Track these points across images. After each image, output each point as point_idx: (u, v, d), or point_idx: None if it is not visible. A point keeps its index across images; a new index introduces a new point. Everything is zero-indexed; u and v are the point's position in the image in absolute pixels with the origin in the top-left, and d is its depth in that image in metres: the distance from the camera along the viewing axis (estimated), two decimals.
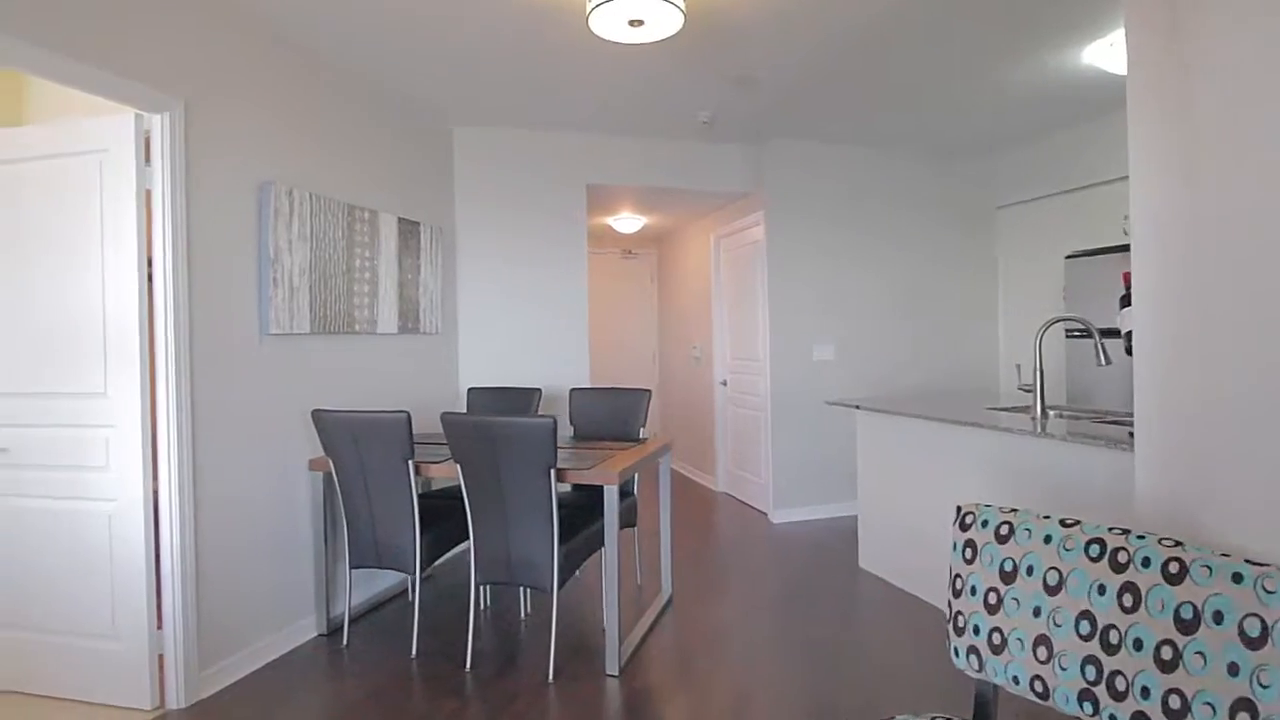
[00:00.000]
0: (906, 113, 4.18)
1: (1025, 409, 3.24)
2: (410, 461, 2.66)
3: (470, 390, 3.90)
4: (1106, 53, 3.22)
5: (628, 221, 5.65)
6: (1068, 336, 4.50)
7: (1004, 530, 1.50)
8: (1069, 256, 4.52)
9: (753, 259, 5.00)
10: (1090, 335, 2.58)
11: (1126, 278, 2.19)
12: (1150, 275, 1.66)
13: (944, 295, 5.11)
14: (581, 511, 2.94)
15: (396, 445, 2.64)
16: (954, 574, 1.57)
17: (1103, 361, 2.64)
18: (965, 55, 3.31)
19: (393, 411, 2.63)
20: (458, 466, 2.53)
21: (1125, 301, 2.14)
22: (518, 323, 4.31)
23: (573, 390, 3.63)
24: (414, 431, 3.56)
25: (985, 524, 1.53)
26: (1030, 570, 1.43)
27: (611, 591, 2.50)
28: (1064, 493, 2.45)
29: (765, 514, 4.83)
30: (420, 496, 3.19)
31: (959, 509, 1.60)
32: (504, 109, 3.94)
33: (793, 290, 4.71)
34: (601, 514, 2.90)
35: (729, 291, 5.44)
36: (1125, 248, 4.14)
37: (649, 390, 3.53)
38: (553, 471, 2.42)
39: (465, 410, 3.88)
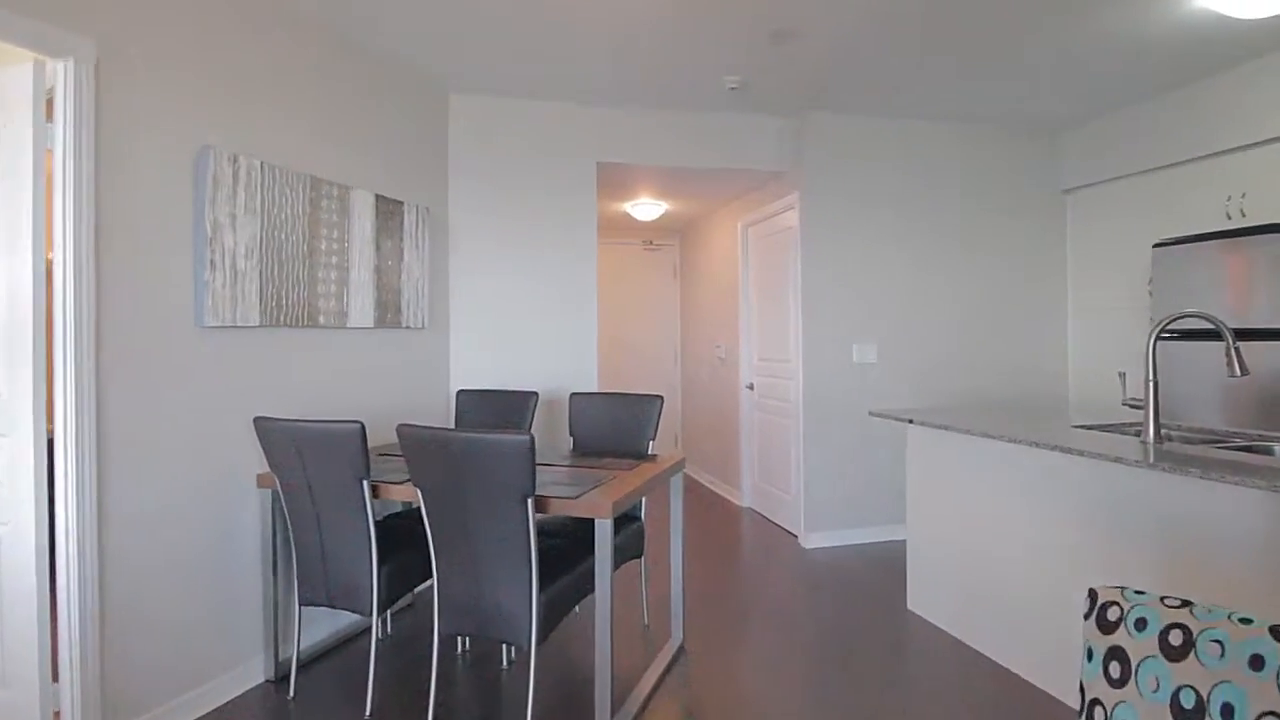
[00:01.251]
0: (971, 80, 3.60)
1: (1126, 427, 2.66)
2: (365, 482, 2.20)
3: (460, 393, 3.44)
4: None
5: (646, 208, 5.15)
6: (1159, 339, 3.86)
7: (1176, 639, 0.97)
8: (1157, 245, 3.89)
9: (785, 248, 4.45)
10: (1221, 337, 1.98)
11: None
12: None
13: (1004, 291, 4.50)
14: (573, 544, 2.45)
15: (348, 461, 2.18)
16: (1089, 698, 1.04)
17: (1237, 372, 2.07)
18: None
19: (345, 421, 2.17)
20: (417, 492, 2.07)
21: None
22: (518, 317, 3.84)
23: (573, 395, 3.15)
24: (388, 444, 3.11)
25: (1142, 626, 1.00)
26: (1230, 711, 0.90)
27: (603, 648, 2.01)
28: (1196, 547, 1.88)
29: (796, 537, 4.29)
30: (385, 520, 2.74)
31: (1094, 597, 1.07)
32: (506, 75, 3.47)
33: (830, 283, 4.16)
34: (589, 549, 2.41)
35: (757, 285, 4.90)
36: (1229, 233, 3.51)
37: (660, 396, 3.03)
38: (531, 501, 1.93)
39: (455, 415, 3.43)
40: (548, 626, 2.04)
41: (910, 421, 2.81)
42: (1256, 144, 3.48)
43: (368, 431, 2.34)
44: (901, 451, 4.28)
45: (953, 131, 4.37)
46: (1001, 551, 2.58)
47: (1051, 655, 2.36)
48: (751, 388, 4.97)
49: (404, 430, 2.01)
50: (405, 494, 2.23)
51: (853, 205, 4.19)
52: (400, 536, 2.52)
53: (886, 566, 3.71)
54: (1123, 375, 2.87)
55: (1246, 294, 3.43)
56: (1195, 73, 3.61)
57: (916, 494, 3.07)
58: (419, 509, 2.12)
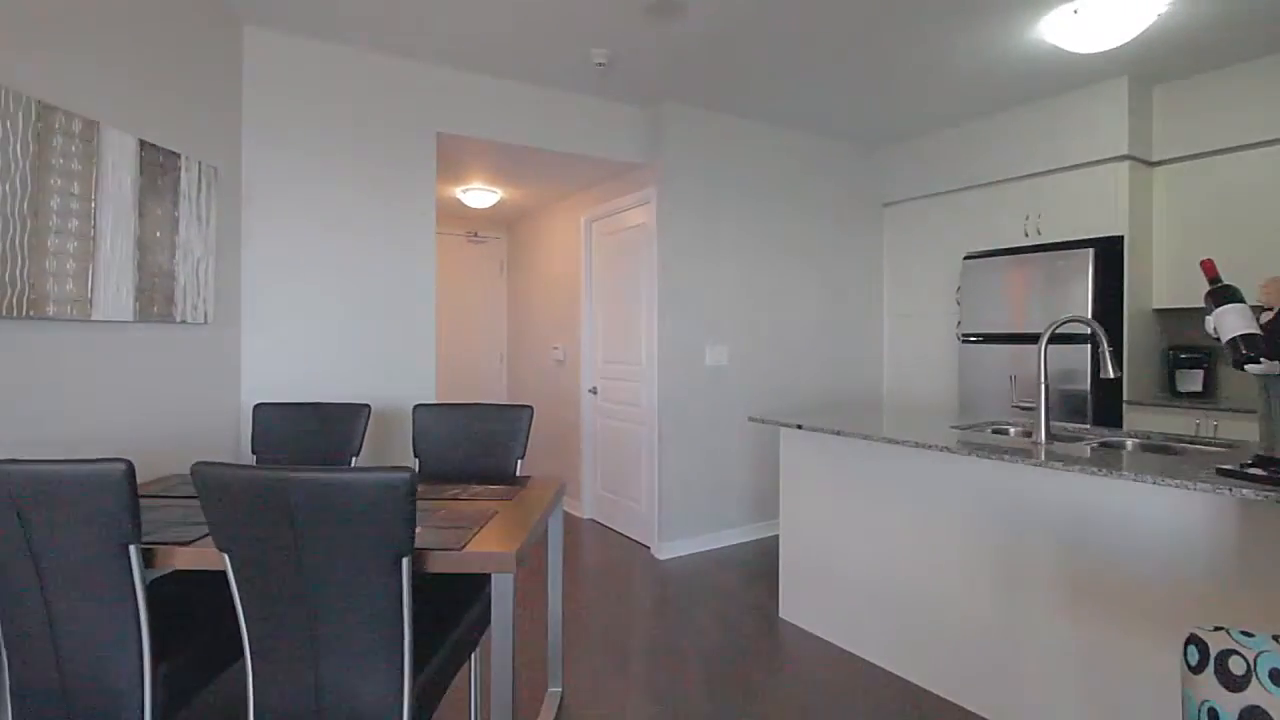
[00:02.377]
0: (828, 86, 3.63)
1: (993, 426, 2.78)
2: (134, 547, 1.52)
3: (258, 408, 2.69)
4: (1069, 22, 2.85)
5: (480, 194, 4.62)
6: (963, 341, 4.24)
7: None
8: (968, 257, 4.28)
9: (637, 247, 4.22)
10: (1098, 343, 2.06)
11: (1209, 267, 1.69)
12: None
13: (836, 296, 4.70)
14: (431, 604, 1.94)
15: (107, 520, 1.48)
16: None
17: (1109, 373, 2.19)
18: (910, 11, 2.79)
19: (99, 461, 1.47)
20: (224, 556, 1.45)
21: (1216, 298, 1.65)
22: (334, 314, 3.14)
23: (418, 408, 2.59)
24: (156, 479, 2.31)
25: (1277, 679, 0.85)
26: None
27: None
28: (1098, 546, 1.93)
29: (648, 548, 4.06)
30: (150, 588, 2.00)
31: (1203, 646, 0.91)
32: (323, 10, 2.79)
33: (687, 284, 4.00)
34: (465, 605, 1.93)
35: (603, 284, 4.61)
36: (1027, 249, 3.95)
37: (530, 407, 2.60)
38: (407, 561, 1.43)
39: (251, 437, 2.67)
40: None
41: (799, 427, 2.70)
42: (1052, 171, 3.94)
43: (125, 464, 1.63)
44: (757, 453, 4.27)
45: (797, 138, 4.45)
46: (887, 555, 2.55)
47: (943, 657, 2.36)
48: (595, 392, 4.67)
49: (205, 472, 1.39)
50: (200, 559, 1.58)
51: (709, 203, 4.07)
52: (178, 614, 1.82)
53: (748, 571, 3.62)
54: (1013, 378, 3.01)
55: (1041, 302, 3.86)
56: (1007, 102, 4.00)
57: (792, 501, 2.99)
58: (197, 574, 1.50)
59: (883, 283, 4.94)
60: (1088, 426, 2.82)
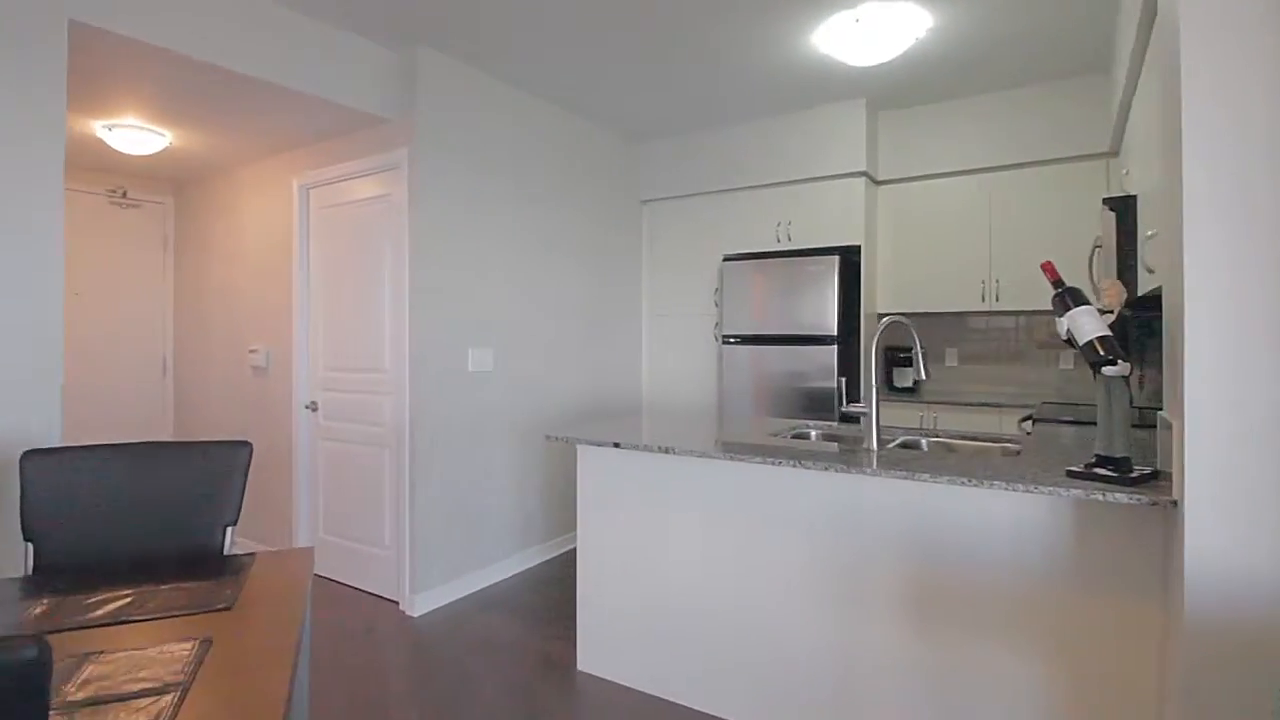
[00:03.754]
0: (598, 61, 3.26)
1: (794, 431, 2.66)
2: None
3: None
4: (848, 30, 2.89)
5: (136, 136, 3.29)
6: (723, 343, 4.27)
7: None
8: (727, 259, 4.31)
9: (376, 224, 3.37)
10: (914, 348, 1.99)
11: (1050, 269, 1.67)
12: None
13: (599, 294, 4.39)
14: None
15: None
16: None
17: (923, 376, 2.17)
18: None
19: None
20: None
21: (1064, 301, 1.62)
22: None
23: (30, 457, 1.55)
24: None
25: None
26: None
27: None
28: (940, 555, 1.84)
29: (397, 603, 3.27)
30: None
31: None
32: None
33: (447, 275, 3.30)
34: None
35: (326, 270, 3.64)
36: (782, 254, 4.09)
37: (247, 445, 1.73)
38: None
39: None
40: None
41: (616, 445, 2.26)
42: (802, 180, 4.13)
43: None
44: (533, 468, 3.72)
45: (566, 120, 4.02)
46: (712, 584, 2.26)
47: (781, 691, 2.13)
48: (314, 408, 3.67)
49: None
50: None
51: (475, 180, 3.42)
52: None
53: (533, 611, 3.08)
54: (842, 381, 2.92)
55: (792, 305, 4.02)
56: (766, 109, 4.09)
57: (594, 530, 2.54)
58: None
59: (642, 282, 4.79)
60: (836, 425, 2.89)
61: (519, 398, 3.70)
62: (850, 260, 4.03)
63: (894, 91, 3.83)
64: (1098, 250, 2.75)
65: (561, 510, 4.01)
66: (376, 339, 3.37)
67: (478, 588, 3.43)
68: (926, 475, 1.72)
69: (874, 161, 4.08)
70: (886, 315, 4.34)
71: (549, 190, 3.93)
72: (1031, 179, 3.76)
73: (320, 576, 3.63)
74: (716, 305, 4.44)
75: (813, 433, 2.69)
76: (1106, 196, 2.64)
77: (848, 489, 1.99)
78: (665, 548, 2.36)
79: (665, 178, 4.62)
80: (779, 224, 4.22)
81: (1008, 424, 3.55)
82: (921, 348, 2.19)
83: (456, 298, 3.34)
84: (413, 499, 3.16)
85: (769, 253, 4.21)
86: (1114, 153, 3.54)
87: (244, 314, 4.05)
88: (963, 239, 3.96)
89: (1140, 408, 3.12)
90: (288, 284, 3.76)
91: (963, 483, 1.66)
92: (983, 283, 3.91)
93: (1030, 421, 3.07)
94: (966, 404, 3.67)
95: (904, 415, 3.86)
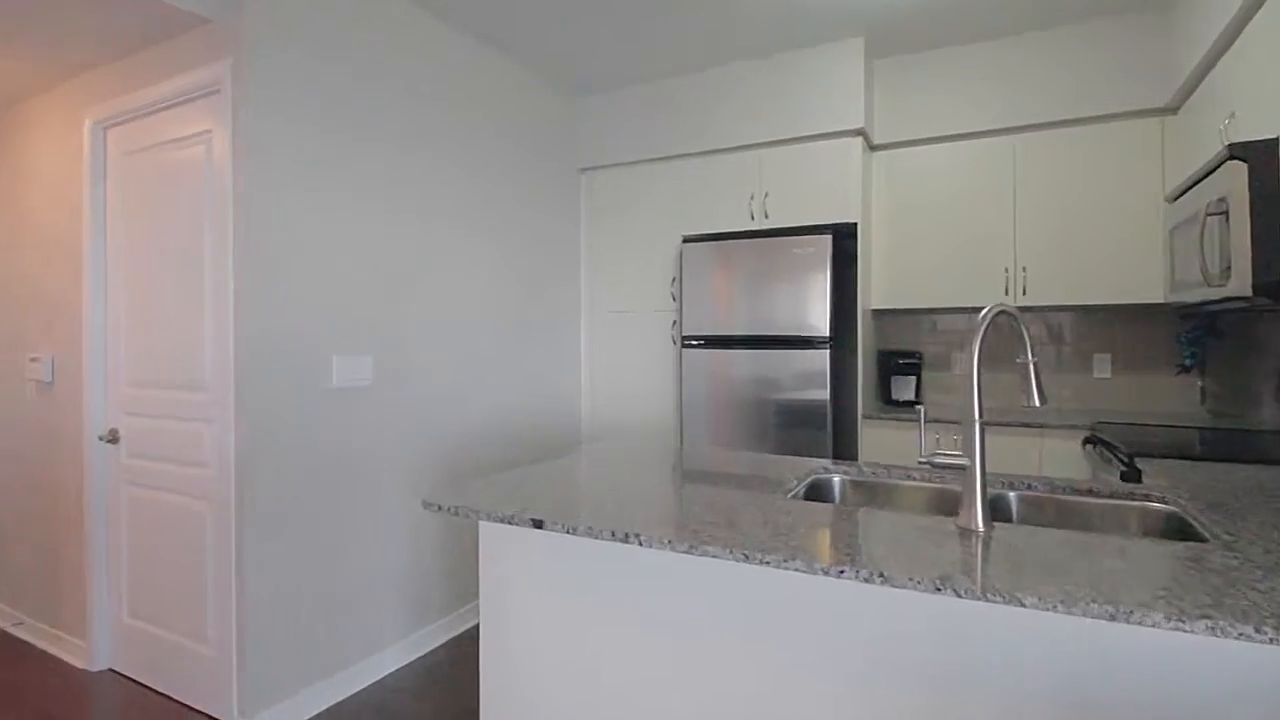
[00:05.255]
0: None
1: (814, 478, 1.77)
2: None
3: None
4: None
5: None
6: (684, 346, 3.38)
7: None
8: (687, 240, 3.42)
9: (196, 175, 2.33)
10: (1026, 353, 1.10)
11: None
12: None
13: (524, 285, 3.44)
14: None
15: None
16: None
17: (1037, 400, 1.32)
18: None
19: None
20: None
21: None
22: None
23: None
24: None
25: None
26: None
27: None
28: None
29: None
30: None
31: None
32: None
33: (295, 250, 2.29)
34: None
35: (132, 242, 2.57)
36: (760, 234, 3.23)
37: None
38: None
39: None
40: None
41: (538, 525, 1.31)
42: (783, 141, 3.28)
43: None
44: (429, 521, 2.72)
45: (478, 56, 3.05)
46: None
47: None
48: (114, 439, 2.59)
49: None
50: None
51: (339, 120, 2.41)
52: None
53: None
54: (936, 441, 2.05)
55: (775, 298, 3.18)
56: (735, 52, 3.22)
57: (500, 639, 1.59)
58: None
59: (581, 269, 3.86)
60: (863, 468, 2.05)
61: (412, 422, 2.71)
62: (845, 242, 3.21)
63: (899, 31, 3.03)
64: (1215, 219, 1.99)
65: (473, 570, 3.04)
66: (194, 341, 2.32)
67: (346, 694, 2.42)
68: (1121, 611, 0.87)
69: (870, 120, 3.28)
70: (880, 310, 3.55)
71: (460, 150, 2.96)
72: (1066, 142, 3.02)
73: (119, 675, 2.55)
74: (675, 299, 3.56)
75: (836, 479, 1.82)
76: (1232, 143, 1.88)
77: (943, 613, 1.12)
78: (615, 688, 1.43)
79: (610, 139, 3.71)
80: (753, 197, 3.36)
81: (1052, 449, 2.79)
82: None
83: (313, 284, 2.33)
84: (241, 573, 2.14)
85: (741, 233, 3.35)
86: (1173, 109, 2.83)
87: (26, 307, 2.91)
88: (980, 218, 3.19)
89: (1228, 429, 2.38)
90: (78, 263, 2.66)
91: (1200, 629, 0.82)
92: (1006, 271, 3.15)
93: (1094, 446, 2.30)
94: (996, 424, 2.89)
95: (911, 439, 3.06)
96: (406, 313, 2.69)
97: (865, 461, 2.63)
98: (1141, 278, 2.90)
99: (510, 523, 1.33)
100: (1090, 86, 2.94)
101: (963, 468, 1.22)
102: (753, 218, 3.36)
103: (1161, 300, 2.84)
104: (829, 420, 3.08)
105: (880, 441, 3.11)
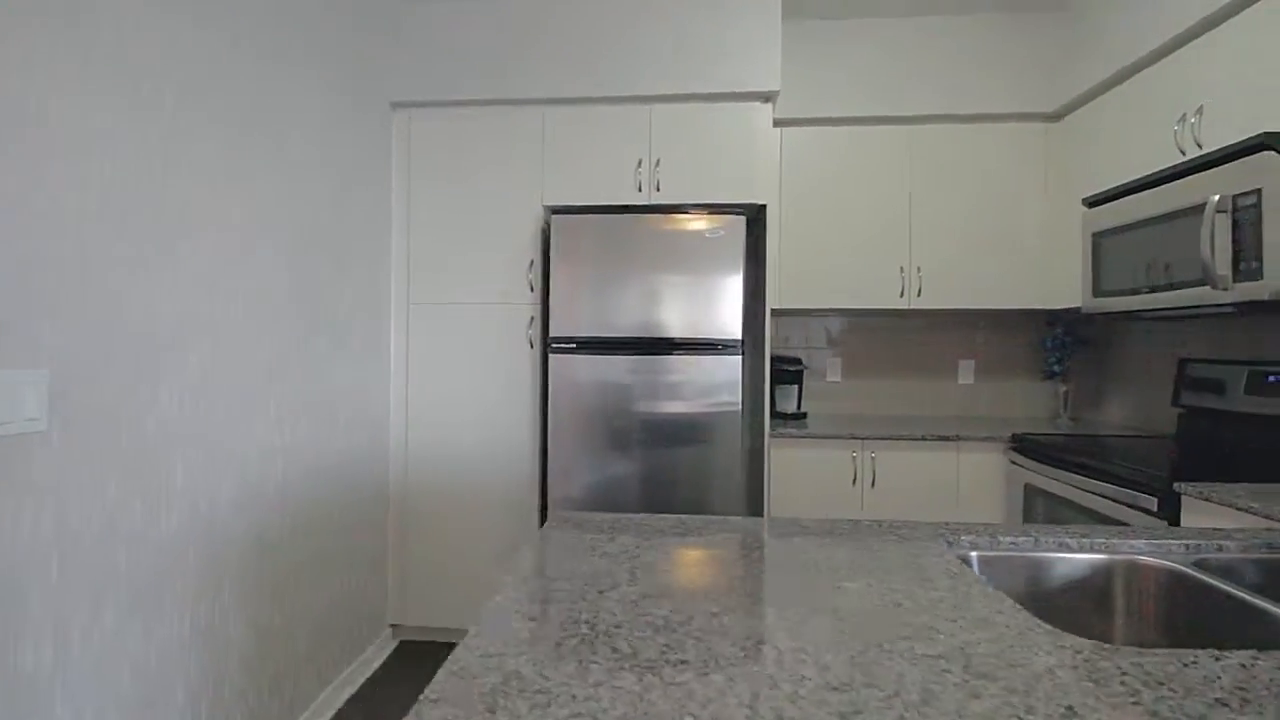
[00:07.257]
0: None
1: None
2: None
3: None
4: None
5: None
6: (553, 350, 2.55)
7: None
8: (555, 212, 2.59)
9: None
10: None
11: None
12: None
13: (311, 270, 2.29)
14: None
15: None
16: None
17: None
18: None
19: None
20: None
21: None
22: None
23: None
24: None
25: None
26: None
27: None
28: None
29: None
30: None
31: None
32: None
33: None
34: None
35: None
36: (651, 209, 2.54)
37: None
38: None
39: None
40: None
41: None
42: (680, 98, 2.64)
43: None
44: (173, 647, 1.48)
45: None
46: None
47: None
48: None
49: None
50: None
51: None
52: None
53: None
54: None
55: (669, 290, 2.53)
56: None
57: None
58: None
59: (392, 245, 2.76)
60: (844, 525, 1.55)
61: (124, 489, 1.47)
62: (757, 226, 2.69)
63: None
64: (1223, 215, 1.85)
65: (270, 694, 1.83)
66: None
67: None
68: None
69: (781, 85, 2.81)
70: (776, 310, 3.12)
71: (212, 69, 1.75)
72: (962, 138, 2.89)
73: None
74: (533, 288, 2.69)
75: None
76: (1266, 132, 1.74)
77: None
78: None
79: (442, 65, 2.70)
80: (641, 163, 2.66)
81: (969, 462, 2.58)
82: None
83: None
84: None
85: (626, 206, 2.64)
86: (1056, 117, 2.83)
87: None
88: (879, 213, 2.92)
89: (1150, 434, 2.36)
90: None
91: None
92: (902, 271, 2.91)
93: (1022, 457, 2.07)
94: (899, 438, 2.60)
95: (807, 457, 2.65)
96: (110, 309, 1.45)
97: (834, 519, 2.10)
98: (1018, 282, 2.85)
99: None
100: (989, 80, 2.83)
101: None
102: (640, 189, 2.66)
103: (1077, 306, 2.79)
104: (741, 441, 2.52)
105: (791, 461, 2.64)
